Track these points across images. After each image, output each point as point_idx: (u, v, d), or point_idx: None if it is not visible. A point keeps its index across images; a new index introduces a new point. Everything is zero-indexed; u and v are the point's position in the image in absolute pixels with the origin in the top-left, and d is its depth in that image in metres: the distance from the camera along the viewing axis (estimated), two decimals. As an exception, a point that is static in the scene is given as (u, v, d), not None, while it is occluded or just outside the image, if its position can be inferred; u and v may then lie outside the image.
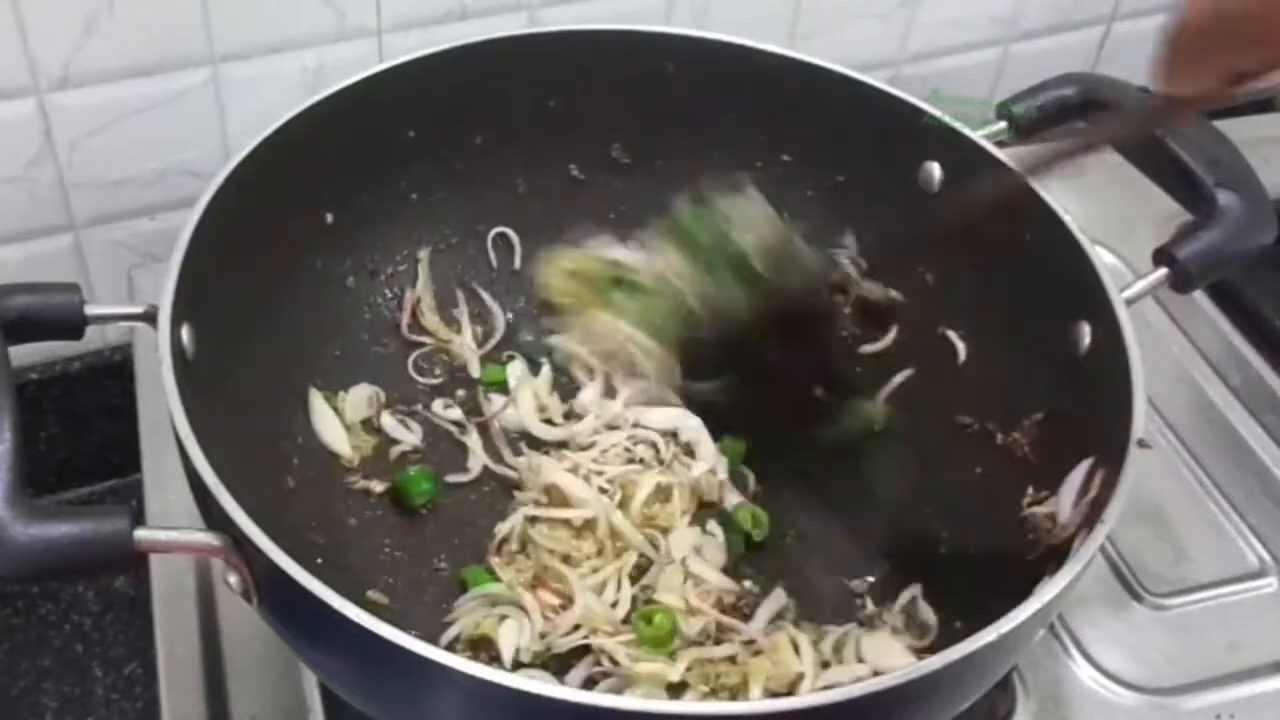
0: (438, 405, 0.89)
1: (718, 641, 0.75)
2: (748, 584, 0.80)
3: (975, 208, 0.79)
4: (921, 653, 0.74)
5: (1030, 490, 0.76)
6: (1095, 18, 1.21)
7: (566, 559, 0.78)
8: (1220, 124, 0.82)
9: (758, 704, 0.57)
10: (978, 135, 0.83)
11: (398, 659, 0.55)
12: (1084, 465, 0.71)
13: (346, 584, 0.67)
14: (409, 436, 0.87)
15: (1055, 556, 0.66)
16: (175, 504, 0.83)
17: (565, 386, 0.90)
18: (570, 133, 0.91)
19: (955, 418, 0.84)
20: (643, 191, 0.93)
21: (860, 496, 0.85)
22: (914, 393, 0.88)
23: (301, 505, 0.78)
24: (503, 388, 0.90)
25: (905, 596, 0.79)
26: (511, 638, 0.73)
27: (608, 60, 0.89)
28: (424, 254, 0.91)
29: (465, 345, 0.91)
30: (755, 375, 0.85)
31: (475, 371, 0.91)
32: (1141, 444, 0.66)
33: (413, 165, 0.88)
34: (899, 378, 0.88)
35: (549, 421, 0.88)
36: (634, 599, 0.77)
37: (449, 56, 0.85)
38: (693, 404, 0.86)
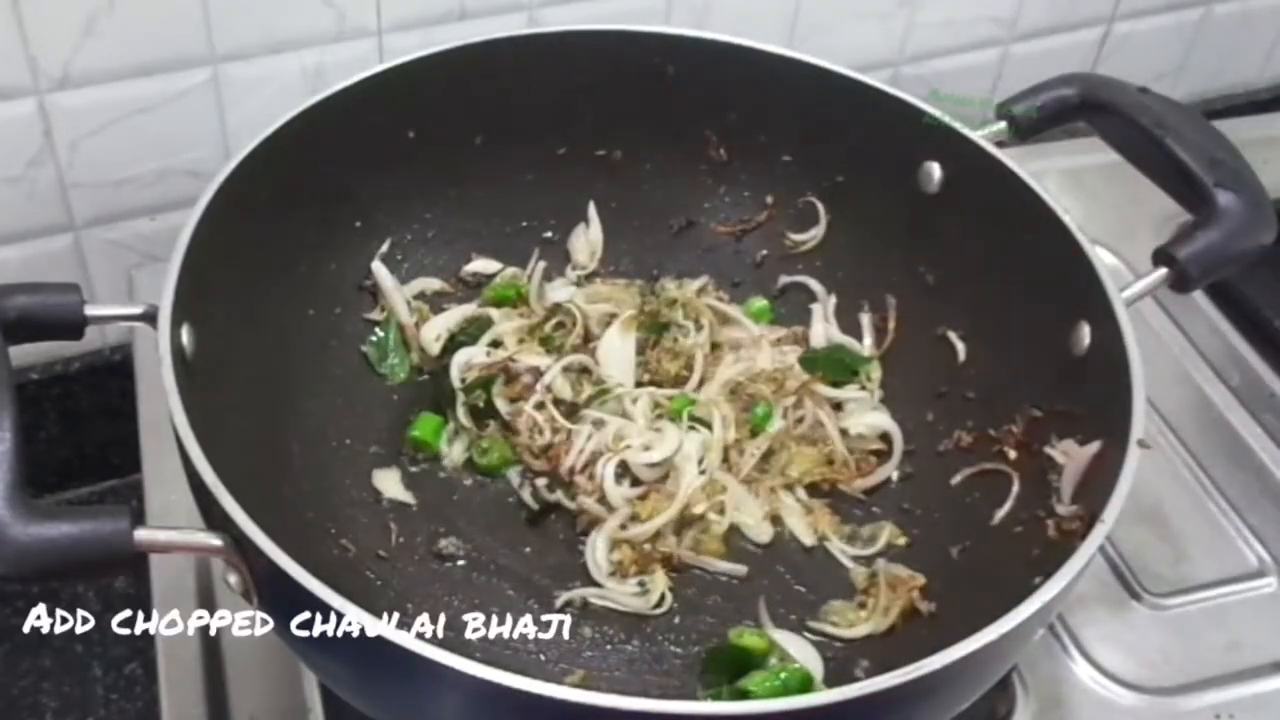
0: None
1: None
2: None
3: None
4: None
5: (1030, 490, 0.76)
6: (1095, 18, 1.21)
7: None
8: (1220, 124, 0.82)
9: (758, 704, 0.57)
10: (977, 135, 0.83)
11: (398, 659, 0.55)
12: (1091, 448, 0.71)
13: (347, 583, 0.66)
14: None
15: (1055, 556, 0.66)
16: (175, 504, 0.83)
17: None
18: (570, 133, 0.91)
19: (955, 418, 0.84)
20: (642, 190, 0.93)
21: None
22: (914, 393, 0.88)
23: (302, 505, 0.78)
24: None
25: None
26: None
27: (608, 60, 0.89)
28: (423, 253, 0.91)
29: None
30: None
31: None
32: (1141, 444, 0.66)
33: (413, 165, 0.88)
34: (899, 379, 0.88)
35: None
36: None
37: (449, 56, 0.85)
38: None
